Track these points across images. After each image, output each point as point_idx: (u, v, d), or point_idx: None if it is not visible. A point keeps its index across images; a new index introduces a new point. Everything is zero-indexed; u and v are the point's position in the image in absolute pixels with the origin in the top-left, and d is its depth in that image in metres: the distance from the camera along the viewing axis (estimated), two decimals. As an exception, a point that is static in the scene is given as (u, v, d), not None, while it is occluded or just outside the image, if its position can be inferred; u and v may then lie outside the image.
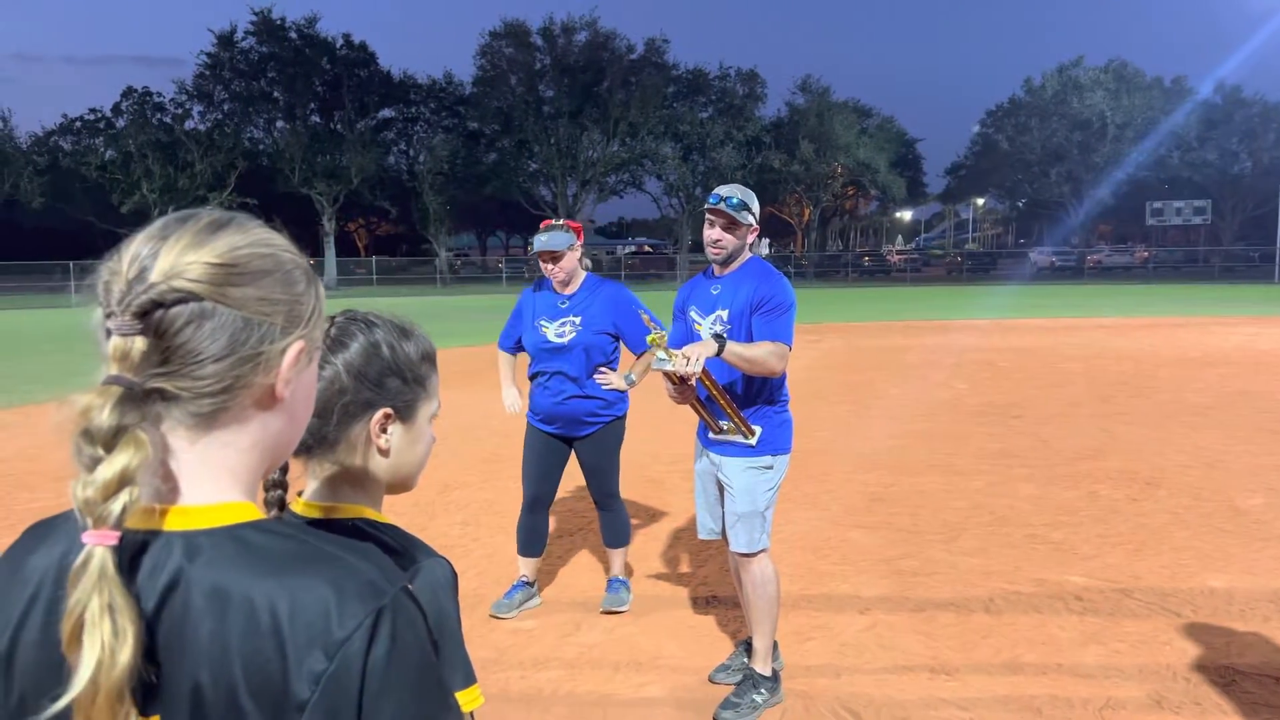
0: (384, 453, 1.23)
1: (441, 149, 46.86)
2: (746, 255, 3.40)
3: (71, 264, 33.59)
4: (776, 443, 3.33)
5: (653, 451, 7.51)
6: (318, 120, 46.58)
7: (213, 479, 0.80)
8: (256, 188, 42.77)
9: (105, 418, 0.73)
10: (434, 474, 6.70)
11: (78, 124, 42.96)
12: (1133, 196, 51.90)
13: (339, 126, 45.88)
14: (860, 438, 8.12)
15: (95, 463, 0.73)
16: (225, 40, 44.01)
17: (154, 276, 0.76)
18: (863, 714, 3.27)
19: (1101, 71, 50.64)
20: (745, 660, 3.52)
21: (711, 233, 3.34)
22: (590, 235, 78.53)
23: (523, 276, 44.36)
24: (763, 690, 3.31)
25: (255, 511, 0.81)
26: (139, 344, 0.75)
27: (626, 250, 73.30)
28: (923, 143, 70.24)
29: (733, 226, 3.31)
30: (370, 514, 1.22)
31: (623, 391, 4.19)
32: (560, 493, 5.58)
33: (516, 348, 4.37)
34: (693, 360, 2.96)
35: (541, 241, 4.01)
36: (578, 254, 4.10)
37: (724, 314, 3.31)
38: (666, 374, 3.11)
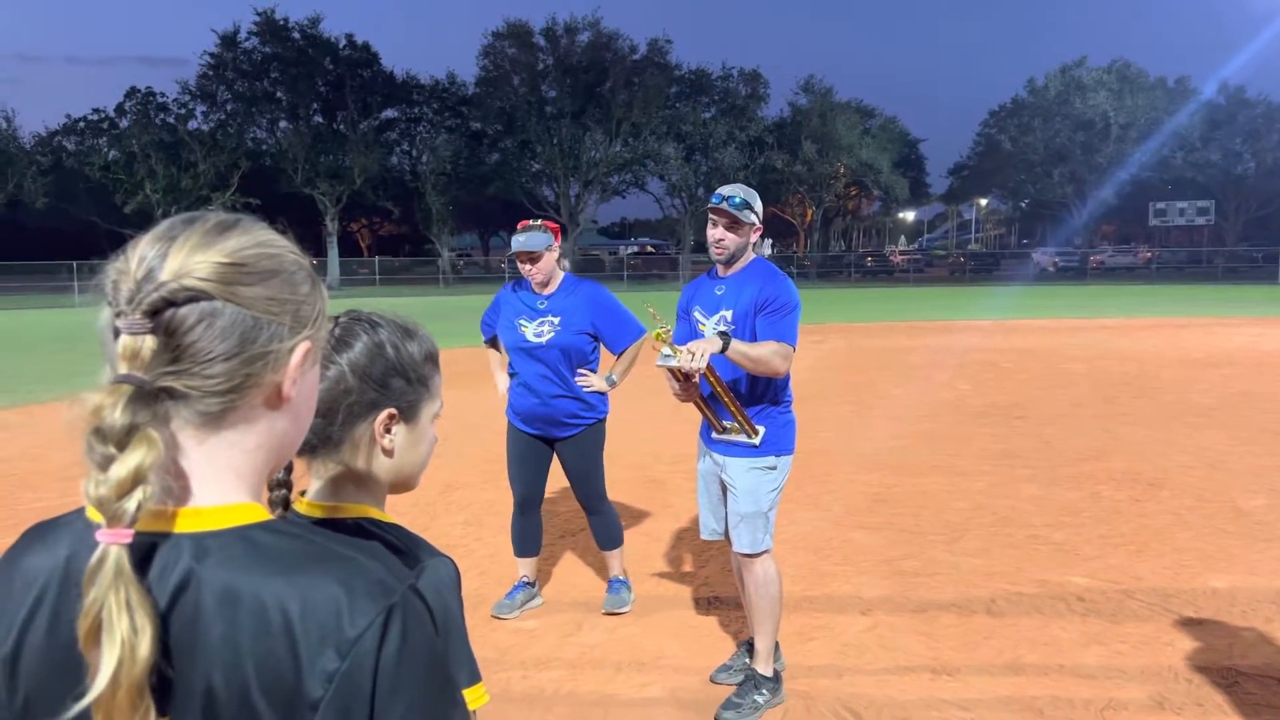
0: (388, 453, 1.24)
1: (444, 149, 46.86)
2: (751, 256, 3.40)
3: (75, 264, 33.62)
4: (780, 443, 3.33)
5: (654, 451, 7.51)
6: (321, 120, 46.60)
7: (219, 480, 0.81)
8: (259, 188, 42.80)
9: (118, 416, 0.73)
10: (436, 474, 6.70)
11: (81, 124, 42.99)
12: (1136, 197, 51.83)
13: (342, 127, 45.90)
14: (863, 438, 8.12)
15: (108, 461, 0.73)
16: (228, 40, 44.05)
17: (164, 275, 0.76)
18: (864, 714, 3.27)
19: (1105, 72, 50.55)
20: (747, 660, 3.52)
21: (714, 232, 3.34)
22: (593, 236, 78.59)
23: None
24: (764, 691, 3.31)
25: (262, 512, 0.82)
26: (149, 343, 0.75)
27: (629, 250, 73.34)
28: (925, 143, 70.42)
29: (735, 226, 3.31)
30: (374, 513, 1.23)
31: (603, 393, 4.16)
32: (561, 493, 5.60)
33: (494, 340, 4.36)
34: (698, 356, 2.95)
35: (519, 242, 3.97)
36: (556, 255, 4.06)
37: (728, 314, 3.31)
38: (671, 370, 3.11)
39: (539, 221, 4.06)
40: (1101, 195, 50.68)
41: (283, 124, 45.82)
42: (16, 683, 0.79)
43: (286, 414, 0.85)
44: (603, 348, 4.23)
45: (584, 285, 4.15)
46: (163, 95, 43.82)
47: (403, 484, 1.29)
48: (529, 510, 4.27)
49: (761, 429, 3.27)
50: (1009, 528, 5.44)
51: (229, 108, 45.15)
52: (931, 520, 5.62)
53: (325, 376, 1.18)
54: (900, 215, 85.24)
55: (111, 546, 0.72)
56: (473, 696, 1.17)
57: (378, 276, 46.28)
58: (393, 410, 1.22)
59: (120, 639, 0.70)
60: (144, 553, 0.75)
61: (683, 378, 3.17)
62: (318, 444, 1.20)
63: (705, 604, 4.38)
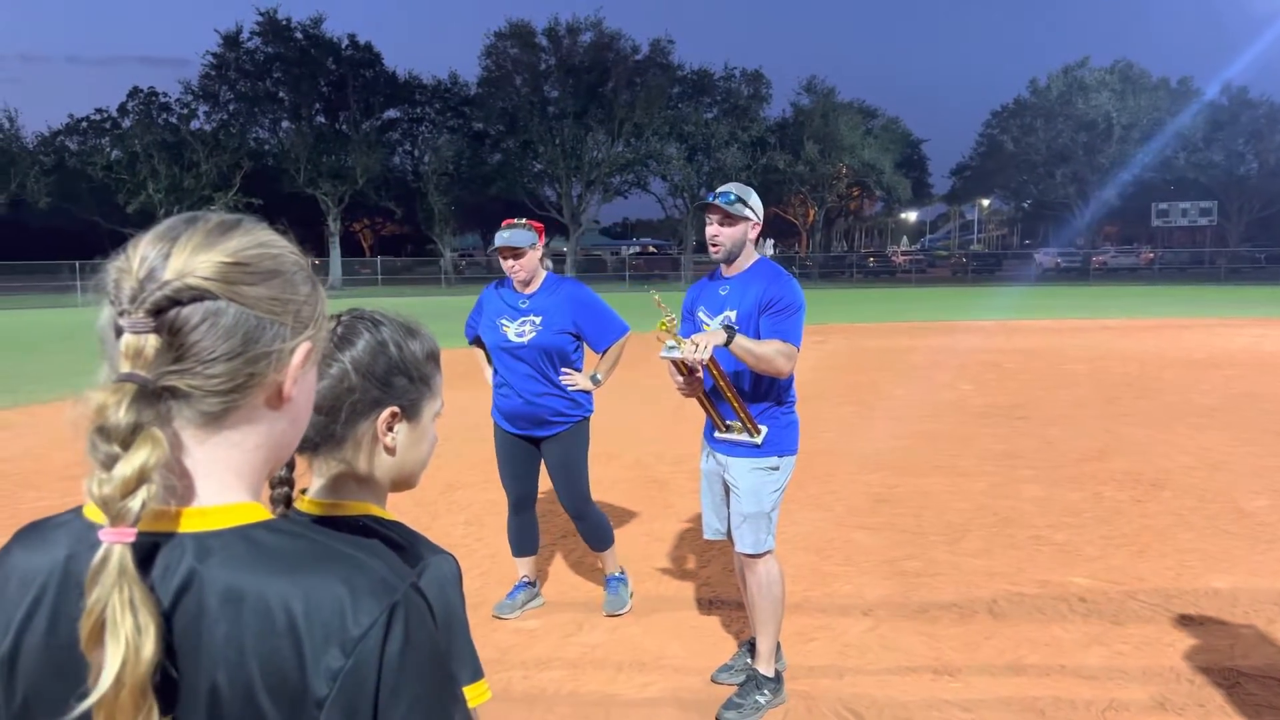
0: (390, 451, 1.24)
1: (446, 149, 46.88)
2: (754, 256, 3.40)
3: (77, 264, 33.66)
4: (783, 444, 3.32)
5: (656, 452, 7.51)
6: (323, 120, 46.64)
7: (221, 479, 0.81)
8: (262, 188, 42.82)
9: (122, 415, 0.73)
10: (438, 474, 6.70)
11: (84, 124, 43.02)
12: (1138, 198, 51.78)
13: (344, 127, 45.94)
14: (864, 438, 8.12)
15: (113, 460, 0.73)
16: (231, 40, 44.10)
17: (167, 274, 0.76)
18: (865, 715, 3.27)
19: (1107, 72, 50.50)
20: (748, 660, 3.52)
21: (709, 229, 3.34)
22: (595, 236, 78.58)
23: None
24: (766, 691, 3.31)
25: (264, 512, 0.82)
26: (153, 341, 0.75)
27: (631, 251, 73.35)
28: (928, 143, 70.26)
29: (730, 221, 3.31)
30: (376, 511, 1.23)
31: (588, 392, 4.14)
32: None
33: (479, 340, 4.34)
34: (701, 347, 2.96)
35: (504, 238, 3.95)
36: (539, 254, 4.04)
37: (732, 314, 3.31)
38: (675, 363, 3.12)
39: (523, 220, 4.06)
40: (1104, 196, 50.63)
41: (285, 124, 45.88)
42: (15, 684, 0.79)
43: (286, 414, 0.86)
44: (587, 348, 4.20)
45: (566, 284, 4.13)
46: (165, 95, 43.93)
47: (404, 482, 1.29)
48: (524, 509, 4.27)
49: (764, 429, 3.27)
50: (1011, 528, 5.44)
51: (231, 108, 45.20)
52: (933, 521, 5.61)
53: (328, 374, 1.19)
54: (902, 216, 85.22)
55: (115, 546, 0.72)
56: (475, 693, 1.18)
57: (380, 276, 46.30)
58: (395, 408, 1.23)
59: (124, 638, 0.70)
60: (146, 553, 0.75)
61: (687, 371, 3.18)
62: (320, 441, 1.20)
63: (707, 604, 4.38)
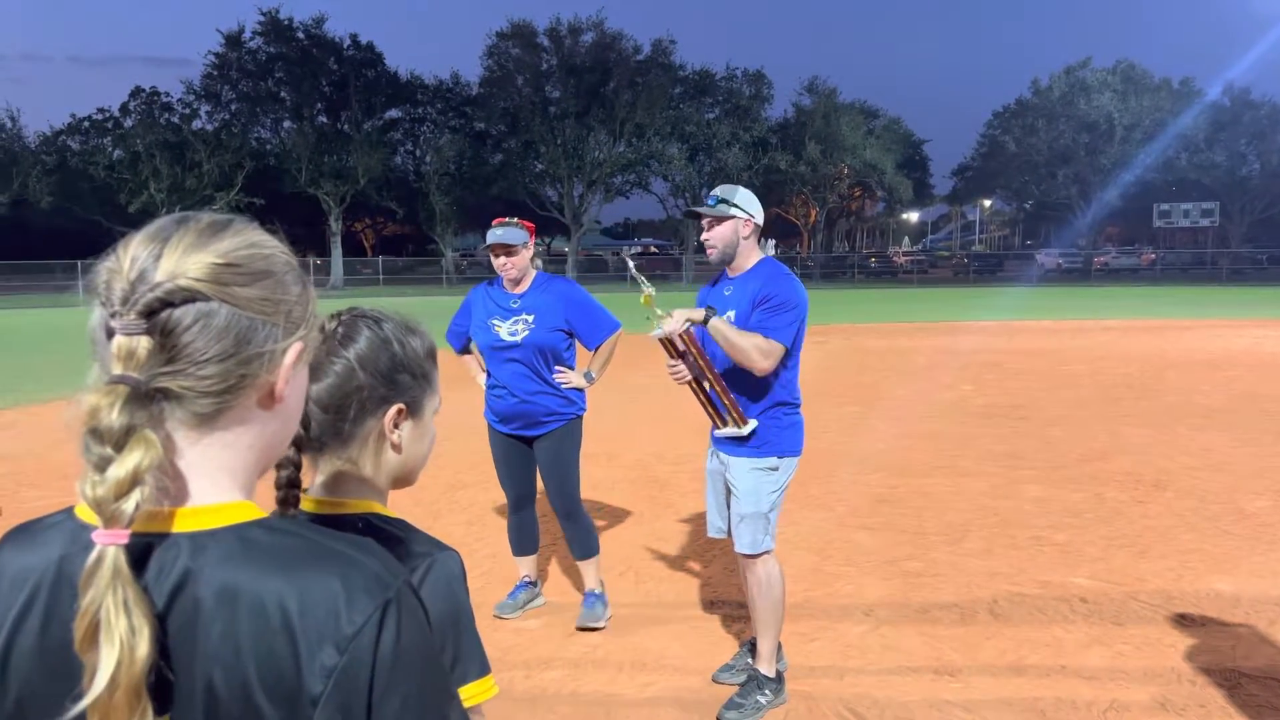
0: (396, 448, 1.25)
1: (448, 149, 46.87)
2: (757, 255, 3.40)
3: (79, 263, 33.65)
4: (783, 444, 3.32)
5: (657, 451, 7.51)
6: (325, 120, 46.64)
7: (214, 479, 0.81)
8: (263, 188, 42.83)
9: (115, 417, 0.73)
10: (439, 473, 6.71)
11: (86, 124, 43.02)
12: (1140, 198, 51.73)
13: (346, 127, 45.94)
14: (866, 439, 8.12)
15: (106, 462, 0.73)
16: (233, 40, 44.11)
17: (159, 276, 0.76)
18: (866, 715, 3.27)
19: (1109, 73, 50.45)
20: (749, 661, 3.52)
21: (703, 234, 3.39)
22: (596, 236, 78.57)
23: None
24: (767, 691, 3.32)
25: (257, 510, 0.82)
26: (145, 343, 0.75)
27: (632, 251, 73.34)
28: (929, 144, 70.16)
29: (717, 223, 3.33)
30: (379, 508, 1.24)
31: (581, 390, 4.12)
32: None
33: (467, 345, 4.31)
34: (676, 318, 3.11)
35: (496, 235, 3.95)
36: (530, 253, 4.04)
37: (732, 314, 3.32)
38: (664, 345, 3.21)
39: (515, 219, 4.06)
40: (1106, 197, 50.58)
41: (287, 124, 45.88)
42: (7, 684, 0.79)
43: (278, 414, 0.86)
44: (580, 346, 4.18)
45: (557, 282, 4.12)
46: (167, 95, 43.90)
47: (405, 479, 1.30)
48: (523, 508, 4.26)
49: (753, 422, 3.26)
50: (1012, 529, 5.43)
51: (233, 108, 45.22)
52: (934, 521, 5.61)
53: (334, 373, 1.19)
54: (904, 216, 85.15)
55: (109, 547, 0.72)
56: (482, 688, 1.19)
57: (381, 276, 46.31)
58: (402, 405, 1.24)
59: (119, 640, 0.70)
60: (140, 553, 0.75)
61: (675, 353, 3.21)
62: (328, 440, 1.21)
63: (708, 604, 4.38)
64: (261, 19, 44.30)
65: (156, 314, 0.76)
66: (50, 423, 8.90)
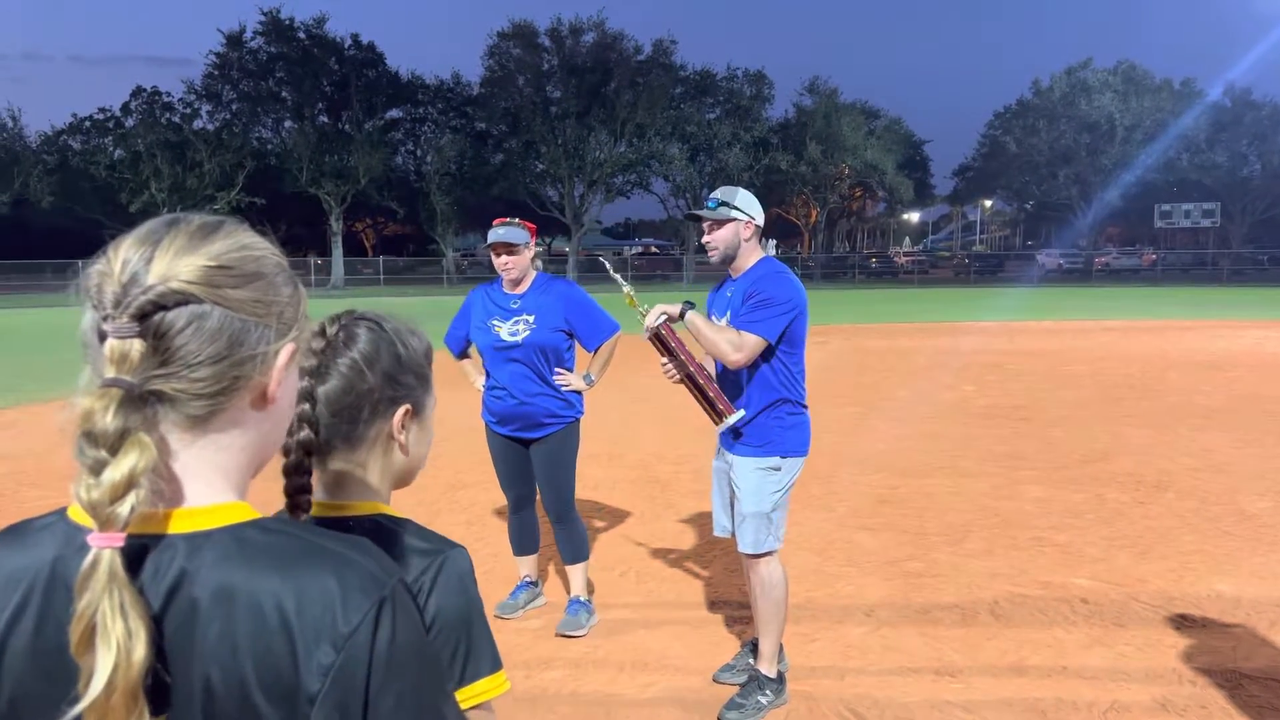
0: (404, 449, 1.26)
1: (449, 149, 46.86)
2: (757, 255, 3.40)
3: (80, 263, 32.93)
4: (786, 444, 3.31)
5: (658, 452, 7.51)
6: (325, 120, 46.64)
7: (208, 480, 0.81)
8: (264, 187, 42.83)
9: (109, 420, 0.73)
10: (439, 473, 6.71)
11: (87, 123, 43.01)
12: (1141, 199, 51.68)
13: (347, 126, 45.94)
14: (867, 439, 8.11)
15: (101, 465, 0.73)
16: (234, 40, 44.11)
17: (151, 279, 0.76)
18: (867, 716, 3.27)
19: (1110, 73, 50.43)
20: (750, 661, 3.52)
21: (704, 236, 3.40)
22: (596, 236, 78.54)
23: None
24: (768, 691, 3.31)
25: (251, 511, 0.83)
26: (138, 346, 0.76)
27: (633, 251, 73.36)
28: (930, 144, 70.08)
29: (717, 225, 3.34)
30: (386, 509, 1.24)
31: (580, 392, 4.11)
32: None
33: (466, 349, 4.30)
34: (652, 314, 3.24)
35: (499, 234, 3.95)
36: (531, 253, 4.03)
37: (730, 315, 3.33)
38: (654, 343, 3.29)
39: (516, 220, 4.05)
40: (1106, 197, 50.55)
41: (288, 124, 45.87)
42: (1, 686, 0.79)
43: (271, 414, 0.86)
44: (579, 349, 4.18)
45: (557, 283, 4.11)
46: (168, 95, 43.90)
47: (407, 479, 1.31)
48: (523, 508, 4.26)
49: (740, 412, 3.25)
50: (1013, 529, 5.43)
51: (234, 107, 45.22)
52: (935, 522, 5.61)
53: (344, 376, 1.20)
54: (905, 216, 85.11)
55: (104, 550, 0.72)
56: (494, 684, 1.19)
57: (382, 276, 46.32)
58: (409, 406, 1.25)
59: (115, 643, 0.70)
60: (136, 554, 0.75)
61: (664, 351, 3.28)
62: (337, 444, 1.21)
63: (709, 604, 4.38)
64: (262, 19, 44.30)
65: (149, 317, 0.76)
66: (51, 423, 8.90)
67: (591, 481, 6.54)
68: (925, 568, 4.80)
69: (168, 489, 0.79)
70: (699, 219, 3.38)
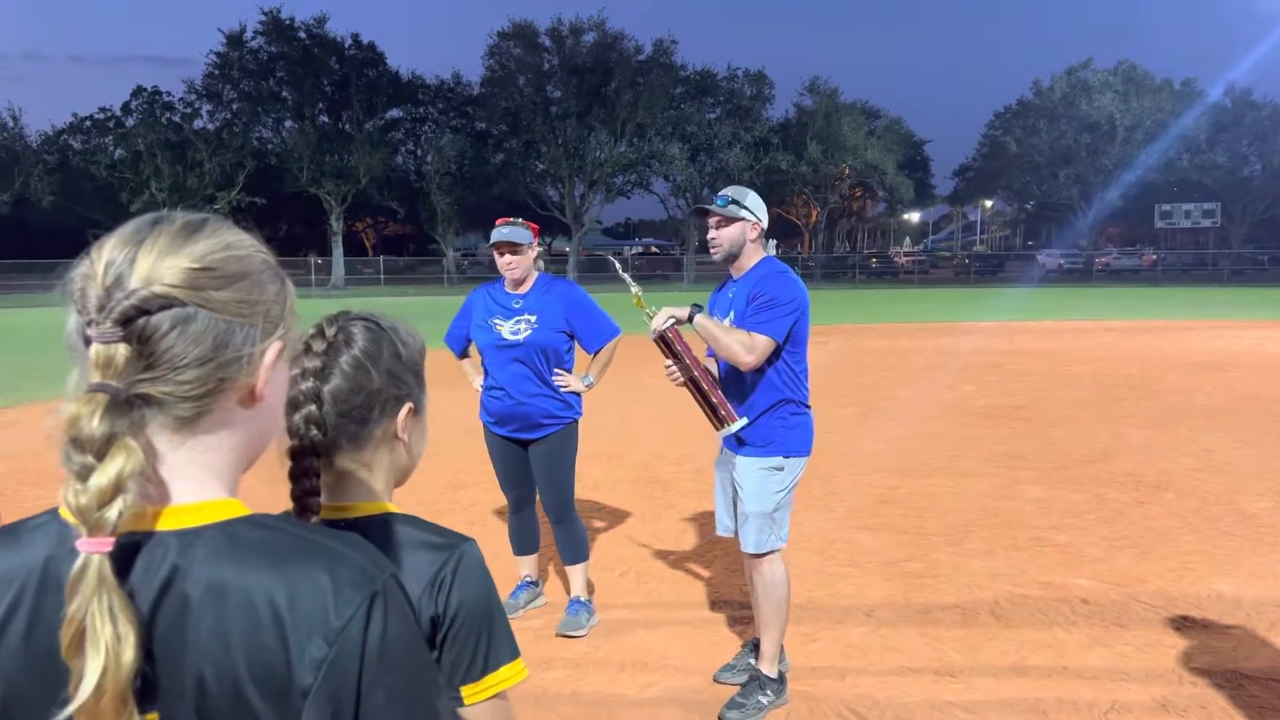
0: (407, 447, 1.27)
1: (449, 149, 46.87)
2: (759, 256, 3.41)
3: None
4: (789, 444, 3.31)
5: (658, 452, 7.51)
6: (326, 120, 46.63)
7: (199, 479, 0.82)
8: (265, 187, 42.84)
9: (95, 426, 0.74)
10: (439, 473, 6.71)
11: (87, 123, 43.02)
12: (1141, 199, 51.66)
13: (347, 126, 45.94)
14: (867, 439, 8.11)
15: (88, 471, 0.73)
16: (234, 40, 44.09)
17: (134, 283, 0.76)
18: (867, 716, 3.27)
19: (1110, 74, 50.44)
20: (751, 661, 3.52)
21: (708, 233, 3.39)
22: (597, 236, 78.55)
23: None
24: (769, 691, 3.31)
25: (243, 508, 0.83)
26: (122, 351, 0.75)
27: (633, 251, 73.36)
28: (931, 144, 70.02)
29: (725, 223, 3.34)
30: (392, 508, 1.25)
31: (579, 394, 4.11)
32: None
33: (466, 348, 4.30)
34: (660, 316, 3.21)
35: (503, 233, 3.95)
36: (534, 253, 4.04)
37: (733, 315, 3.32)
38: (659, 345, 3.26)
39: (519, 220, 4.06)
40: (1107, 197, 50.55)
41: (288, 123, 45.86)
42: None
43: (260, 412, 0.86)
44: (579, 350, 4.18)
45: (559, 283, 4.12)
46: (169, 94, 43.89)
47: (406, 477, 1.32)
48: (523, 508, 4.26)
49: (742, 420, 3.26)
50: (1013, 530, 5.43)
51: (235, 107, 45.21)
52: (935, 522, 5.61)
53: (350, 376, 1.20)
54: (905, 216, 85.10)
55: (93, 555, 0.72)
56: (514, 671, 1.25)
57: (382, 276, 46.33)
58: (411, 404, 1.26)
59: (104, 647, 0.71)
60: (128, 551, 0.76)
61: (669, 354, 3.26)
62: (343, 444, 1.21)
63: (709, 604, 4.38)
64: (263, 19, 44.28)
65: (133, 321, 0.76)
66: (51, 422, 8.90)
67: (592, 481, 6.54)
68: (926, 568, 4.80)
69: (157, 490, 0.79)
70: (707, 213, 3.36)
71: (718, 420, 3.28)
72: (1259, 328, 18.99)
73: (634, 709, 3.36)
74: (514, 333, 3.98)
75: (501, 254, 3.99)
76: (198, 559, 0.77)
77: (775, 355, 3.26)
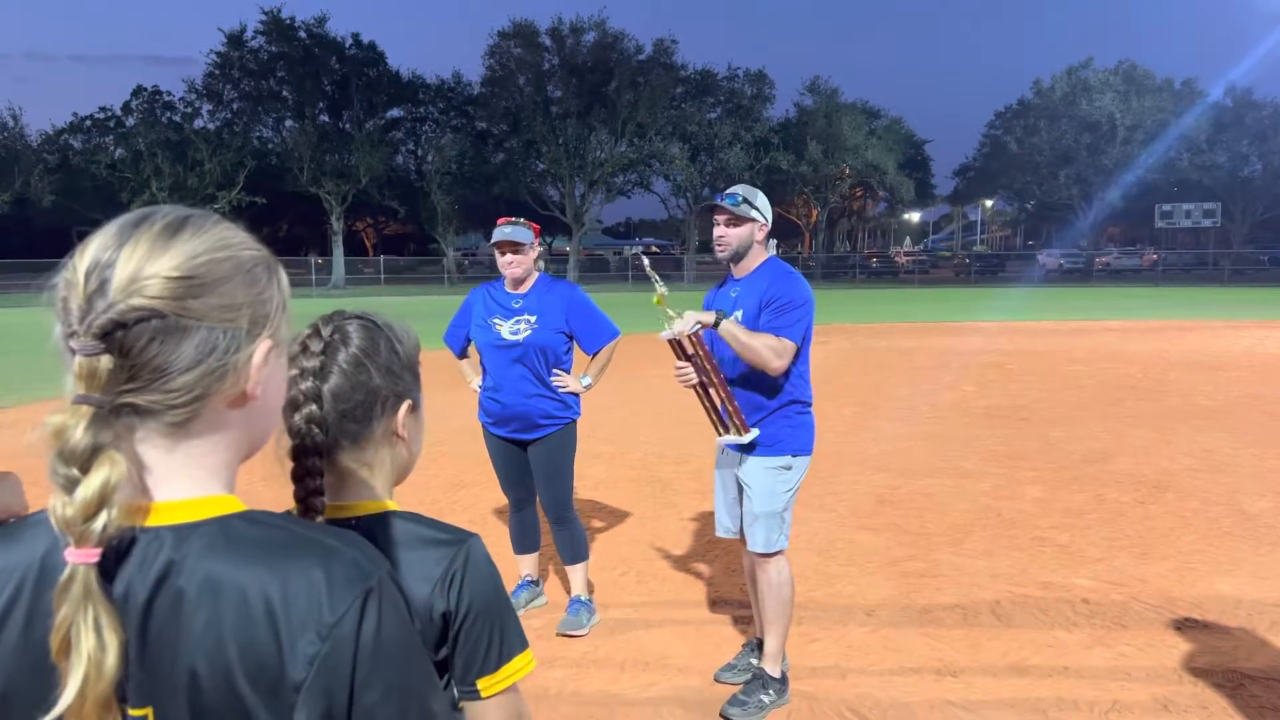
0: (407, 445, 1.28)
1: (449, 149, 46.89)
2: (763, 256, 3.41)
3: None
4: (796, 443, 3.32)
5: (659, 451, 7.51)
6: (326, 120, 46.62)
7: (193, 477, 0.82)
8: (265, 187, 42.81)
9: (79, 438, 0.74)
10: (440, 473, 6.71)
11: (88, 122, 43.04)
12: (1142, 199, 51.65)
13: (347, 126, 45.95)
14: (867, 439, 8.11)
15: (73, 484, 0.74)
16: (235, 40, 44.09)
17: (113, 293, 0.75)
18: (868, 716, 3.27)
19: (1111, 73, 50.43)
20: (752, 660, 3.53)
21: (716, 230, 3.39)
22: (597, 236, 78.59)
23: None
24: (771, 691, 3.32)
25: (238, 504, 0.83)
26: (104, 362, 0.75)
27: (634, 251, 73.34)
28: (931, 144, 69.95)
29: (735, 222, 3.33)
30: (394, 506, 1.25)
31: (577, 394, 4.11)
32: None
33: (466, 348, 4.30)
34: (686, 320, 3.12)
35: (505, 233, 3.95)
36: (535, 253, 4.04)
37: (739, 315, 3.32)
38: (672, 346, 3.22)
39: (521, 220, 4.06)
40: (1107, 197, 50.54)
41: (288, 123, 45.88)
42: None
43: (254, 411, 0.86)
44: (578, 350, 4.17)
45: (559, 285, 4.12)
46: (169, 94, 43.93)
47: (406, 474, 1.33)
48: (524, 508, 4.27)
49: (754, 431, 3.26)
50: (1013, 530, 5.43)
51: (235, 107, 45.24)
52: (936, 522, 5.61)
53: (344, 372, 1.20)
54: (905, 216, 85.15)
55: (79, 566, 0.73)
56: (524, 662, 1.25)
57: (383, 276, 46.33)
58: (410, 402, 1.26)
59: (86, 656, 0.72)
60: (124, 546, 0.76)
61: (683, 356, 3.22)
62: (346, 443, 1.22)
63: (710, 604, 4.39)
64: (263, 18, 44.27)
65: (112, 334, 0.76)
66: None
67: (593, 480, 6.54)
68: (926, 568, 4.80)
69: (153, 486, 0.80)
70: (720, 211, 3.35)
71: (723, 427, 3.28)
72: (1259, 328, 18.98)
73: (635, 708, 3.36)
74: (513, 333, 3.99)
75: (503, 253, 4.00)
76: (193, 554, 0.77)
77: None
